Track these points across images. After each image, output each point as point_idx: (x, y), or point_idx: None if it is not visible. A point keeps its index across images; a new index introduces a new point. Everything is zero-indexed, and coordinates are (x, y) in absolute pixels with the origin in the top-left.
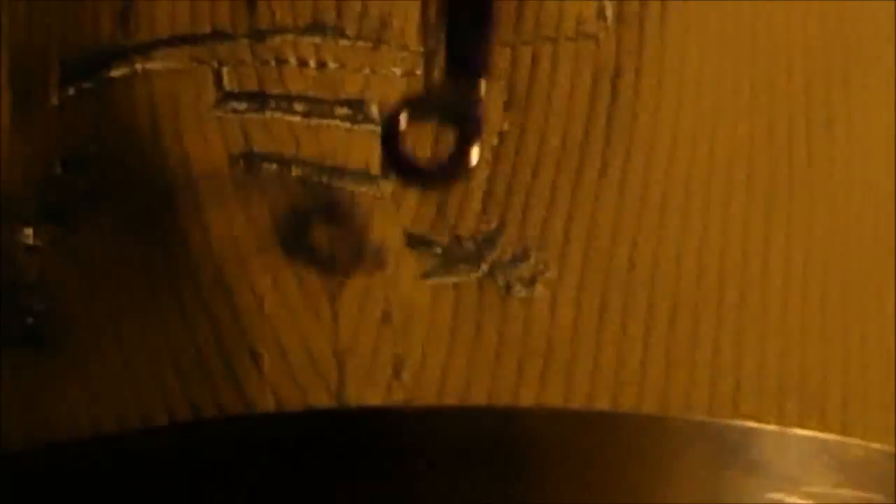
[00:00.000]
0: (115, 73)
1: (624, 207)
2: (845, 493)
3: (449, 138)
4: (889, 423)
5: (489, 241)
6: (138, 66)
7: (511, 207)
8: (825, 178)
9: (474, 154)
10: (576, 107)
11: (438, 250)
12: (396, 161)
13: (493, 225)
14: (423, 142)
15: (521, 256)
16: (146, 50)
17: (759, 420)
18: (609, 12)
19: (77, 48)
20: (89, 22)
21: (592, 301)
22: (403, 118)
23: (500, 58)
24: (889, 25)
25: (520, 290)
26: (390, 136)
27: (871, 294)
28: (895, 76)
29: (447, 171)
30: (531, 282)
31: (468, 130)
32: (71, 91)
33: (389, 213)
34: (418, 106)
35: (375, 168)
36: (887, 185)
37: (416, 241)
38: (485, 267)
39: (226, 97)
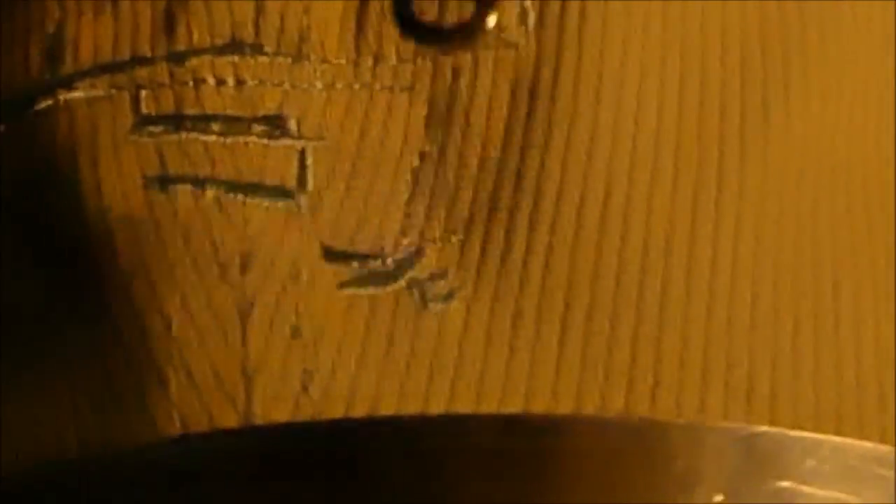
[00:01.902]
0: (40, 106)
1: (539, 216)
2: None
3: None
4: (822, 412)
5: (408, 260)
6: (60, 98)
7: (430, 230)
8: (758, 171)
9: (492, 18)
10: (493, 123)
11: (355, 264)
12: (412, 23)
13: (413, 247)
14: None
15: (439, 275)
16: (69, 82)
17: (679, 416)
18: (531, 17)
19: (8, 87)
20: (20, 61)
21: (506, 310)
22: None
23: (422, 71)
24: (832, 11)
25: (435, 306)
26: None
27: (808, 284)
28: (838, 63)
29: (465, 35)
30: (448, 297)
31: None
32: (2, 128)
33: (305, 225)
34: None
35: (292, 182)
36: (833, 175)
37: (332, 255)
38: (402, 282)
39: (143, 121)
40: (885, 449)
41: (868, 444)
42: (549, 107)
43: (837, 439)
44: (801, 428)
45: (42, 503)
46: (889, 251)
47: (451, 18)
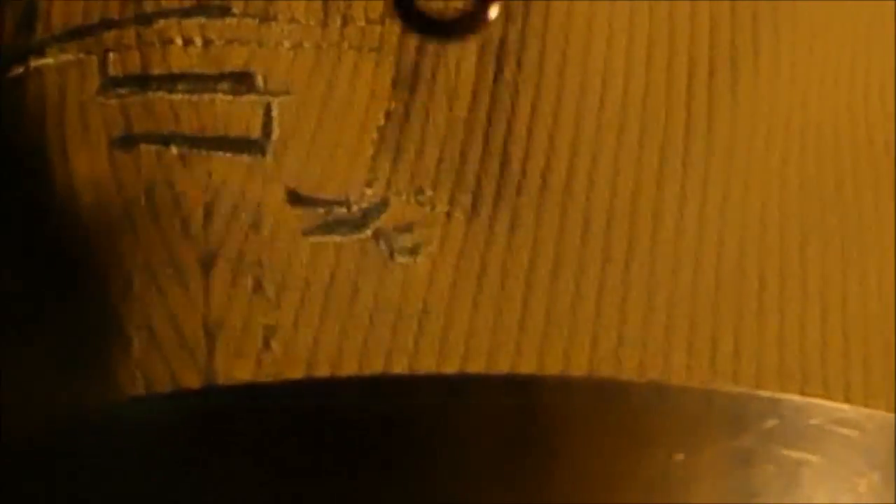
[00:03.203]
0: (11, 74)
1: (506, 176)
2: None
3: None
4: (786, 370)
5: (374, 209)
6: (31, 64)
7: (396, 182)
8: (726, 129)
9: (494, 9)
10: (460, 84)
11: (320, 210)
12: (412, 14)
13: (378, 198)
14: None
15: (405, 228)
16: (40, 48)
17: (642, 374)
18: None
19: None
20: None
21: (472, 266)
22: None
23: (390, 32)
24: None
25: (401, 258)
26: None
27: (774, 242)
28: (809, 23)
29: (466, 25)
30: (413, 251)
31: None
32: None
33: (269, 172)
34: None
35: (256, 132)
36: (803, 134)
37: (297, 199)
38: (368, 231)
39: (109, 83)
40: (848, 408)
41: (831, 404)
42: (515, 68)
43: (799, 398)
44: (765, 386)
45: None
46: (860, 211)
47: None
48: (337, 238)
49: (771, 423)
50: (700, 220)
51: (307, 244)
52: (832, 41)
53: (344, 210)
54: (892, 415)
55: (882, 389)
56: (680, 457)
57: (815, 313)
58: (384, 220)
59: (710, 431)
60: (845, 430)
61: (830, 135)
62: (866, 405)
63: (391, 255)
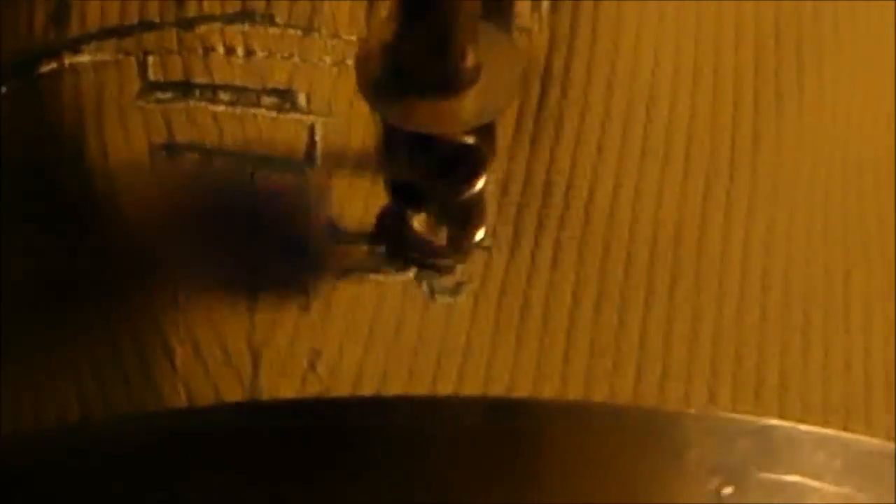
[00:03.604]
0: (44, 69)
1: (548, 209)
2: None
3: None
4: (831, 405)
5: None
6: (66, 62)
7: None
8: (771, 162)
9: (479, 233)
10: (504, 113)
11: (363, 247)
12: (410, 246)
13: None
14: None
15: (447, 270)
16: (75, 45)
17: (687, 407)
18: (544, 3)
19: (12, 50)
20: (24, 24)
21: (514, 302)
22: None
23: None
24: (847, 6)
25: (443, 298)
26: (399, 225)
27: (818, 276)
28: (851, 58)
29: (456, 251)
30: (455, 291)
31: (470, 217)
32: (3, 90)
33: (313, 202)
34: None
35: (300, 155)
36: (845, 170)
37: (339, 235)
38: (410, 273)
39: (150, 87)
40: (894, 446)
41: (878, 441)
42: (560, 96)
43: (848, 435)
44: (810, 421)
45: (39, 471)
46: None
47: None
48: (380, 277)
49: (820, 458)
50: (744, 252)
51: (351, 280)
52: (873, 74)
53: (385, 251)
54: None
55: None
56: (729, 490)
57: (859, 350)
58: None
59: (759, 465)
60: (892, 468)
61: (871, 170)
62: None
63: (432, 295)
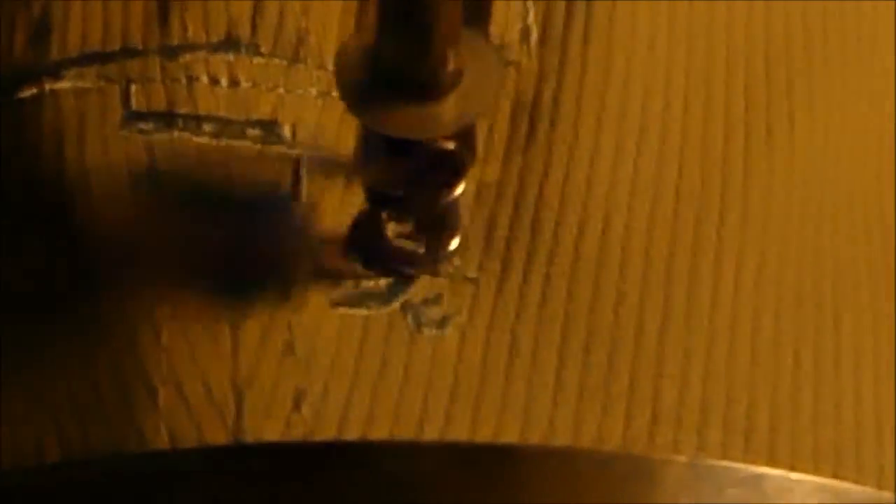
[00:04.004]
0: (24, 93)
1: (536, 245)
2: None
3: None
4: (821, 451)
5: (401, 282)
6: (47, 87)
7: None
8: (762, 199)
9: (454, 242)
10: (493, 144)
11: (349, 283)
12: (386, 254)
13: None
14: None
15: (433, 300)
16: (56, 70)
17: (676, 451)
18: (533, 35)
19: None
20: (5, 45)
21: (502, 339)
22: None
23: None
24: (839, 31)
25: (429, 331)
26: (373, 227)
27: (809, 317)
28: (841, 94)
29: (432, 260)
30: (442, 324)
31: (446, 225)
32: None
33: (299, 238)
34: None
35: (285, 189)
36: (836, 206)
37: (325, 272)
38: (396, 304)
39: (132, 116)
40: (887, 496)
41: (870, 490)
42: (549, 130)
43: (839, 483)
44: (800, 466)
45: None
46: (889, 288)
47: None
48: (364, 311)
49: None
50: (735, 292)
51: (335, 315)
52: (862, 108)
53: (372, 283)
54: None
55: None
56: None
57: (849, 393)
58: (412, 293)
59: None
60: None
61: (860, 205)
62: None
63: (419, 328)
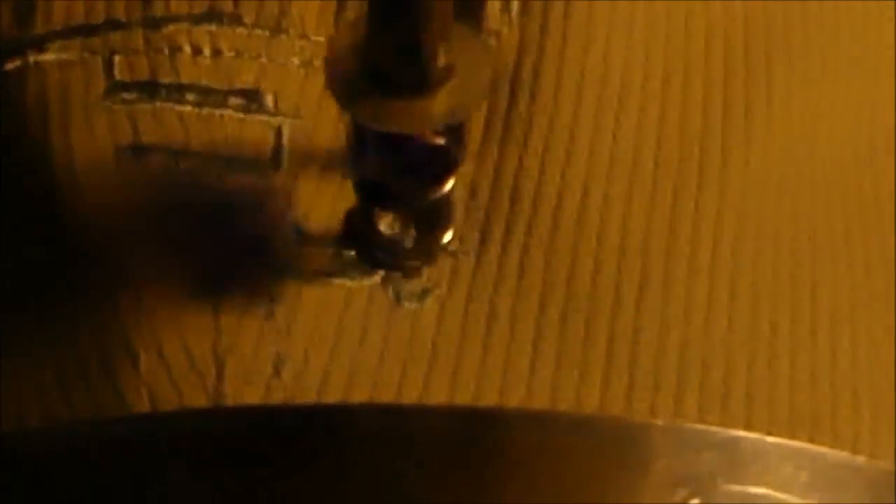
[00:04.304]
0: (9, 66)
1: (515, 216)
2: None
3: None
4: (797, 417)
5: (383, 253)
6: (31, 59)
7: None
8: (740, 172)
9: (446, 235)
10: (474, 117)
11: (329, 251)
12: (379, 248)
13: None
14: None
15: (414, 273)
16: (40, 42)
17: (653, 417)
18: (514, 6)
19: None
20: None
21: (481, 309)
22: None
23: None
24: (818, 8)
25: (409, 304)
26: (366, 227)
27: (786, 287)
28: (820, 72)
29: (424, 254)
30: (422, 296)
31: (438, 219)
32: None
33: (281, 206)
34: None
35: (266, 157)
36: (814, 180)
37: (307, 238)
38: (377, 277)
39: (116, 87)
40: (860, 459)
41: (843, 454)
42: (529, 101)
43: (815, 447)
44: (776, 432)
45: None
46: (867, 260)
47: None
48: (346, 281)
49: (787, 470)
50: (713, 261)
51: (316, 284)
52: (841, 87)
53: (353, 253)
54: None
55: (889, 441)
56: (696, 501)
57: (826, 361)
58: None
59: (727, 477)
60: (856, 481)
61: (839, 182)
62: (873, 456)
63: (398, 300)
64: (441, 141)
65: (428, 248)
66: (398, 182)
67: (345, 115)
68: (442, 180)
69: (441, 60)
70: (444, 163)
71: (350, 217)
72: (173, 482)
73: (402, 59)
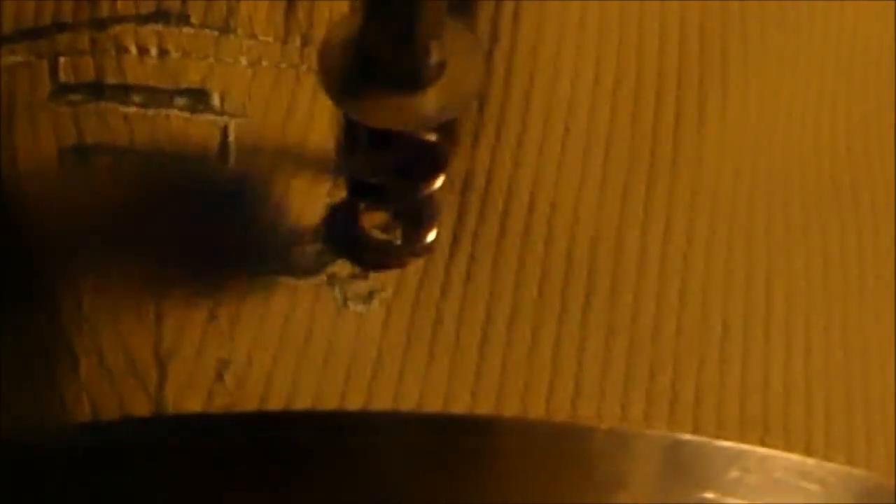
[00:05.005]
0: None
1: (462, 223)
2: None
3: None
4: (748, 419)
5: (328, 252)
6: None
7: None
8: (691, 171)
9: (431, 234)
10: None
11: (276, 251)
12: (362, 246)
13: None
14: None
15: (360, 275)
16: None
17: (600, 422)
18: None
19: None
20: None
21: (427, 315)
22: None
23: None
24: (775, 5)
25: (355, 306)
26: (350, 219)
27: (739, 287)
28: (777, 65)
29: (409, 252)
30: (368, 298)
31: (423, 217)
32: None
33: (225, 206)
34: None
35: (213, 157)
36: (770, 176)
37: (251, 239)
38: (323, 276)
39: (61, 89)
40: (811, 462)
41: (794, 457)
42: (477, 110)
43: (763, 450)
44: (725, 436)
45: None
46: (825, 257)
47: None
48: (291, 280)
49: (734, 474)
50: (662, 265)
51: (261, 283)
52: (799, 82)
53: (298, 251)
54: (854, 469)
55: (842, 443)
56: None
57: (779, 362)
58: (339, 265)
59: (673, 481)
60: (807, 484)
61: (797, 177)
62: (826, 458)
63: (345, 301)
64: (432, 137)
65: (412, 247)
66: (388, 178)
67: (337, 111)
68: (432, 177)
69: (433, 57)
70: (435, 160)
71: (334, 215)
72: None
73: (395, 55)
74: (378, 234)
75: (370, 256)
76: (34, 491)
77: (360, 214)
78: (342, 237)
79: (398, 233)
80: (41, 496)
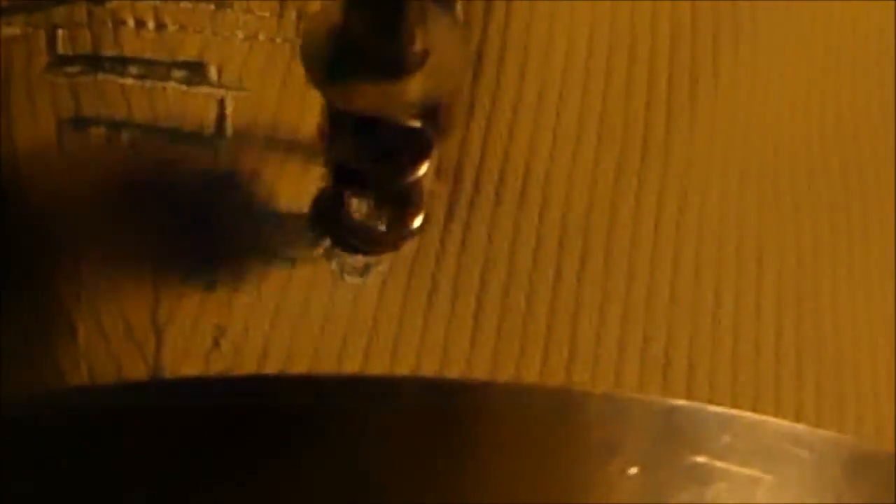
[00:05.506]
0: None
1: (458, 193)
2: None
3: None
4: (740, 387)
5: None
6: None
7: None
8: (684, 144)
9: (417, 220)
10: None
11: (273, 221)
12: (349, 232)
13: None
14: None
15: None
16: None
17: (593, 388)
18: None
19: None
20: None
21: (422, 284)
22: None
23: None
24: None
25: (352, 279)
26: (336, 204)
27: (730, 257)
28: (769, 44)
29: (395, 237)
30: (364, 271)
31: (409, 203)
32: None
33: (223, 178)
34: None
35: (210, 128)
36: (762, 152)
37: (250, 208)
38: (320, 249)
39: (58, 61)
40: (801, 428)
41: (784, 423)
42: (471, 80)
43: (754, 416)
44: (718, 403)
45: None
46: (815, 233)
47: None
48: (289, 252)
49: (726, 439)
50: (656, 234)
51: (259, 253)
52: (790, 67)
53: (295, 222)
54: (844, 436)
55: (832, 413)
56: (634, 470)
57: (770, 331)
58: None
59: (665, 446)
60: (798, 450)
61: (787, 157)
62: (817, 426)
63: (341, 274)
64: (417, 123)
65: (399, 233)
66: (372, 164)
67: (320, 96)
68: (417, 164)
69: (417, 43)
70: (420, 146)
71: (320, 200)
72: (109, 456)
73: (378, 40)
74: (364, 220)
75: (357, 242)
76: (30, 453)
77: (347, 200)
78: (329, 222)
79: (384, 219)
80: (38, 459)
